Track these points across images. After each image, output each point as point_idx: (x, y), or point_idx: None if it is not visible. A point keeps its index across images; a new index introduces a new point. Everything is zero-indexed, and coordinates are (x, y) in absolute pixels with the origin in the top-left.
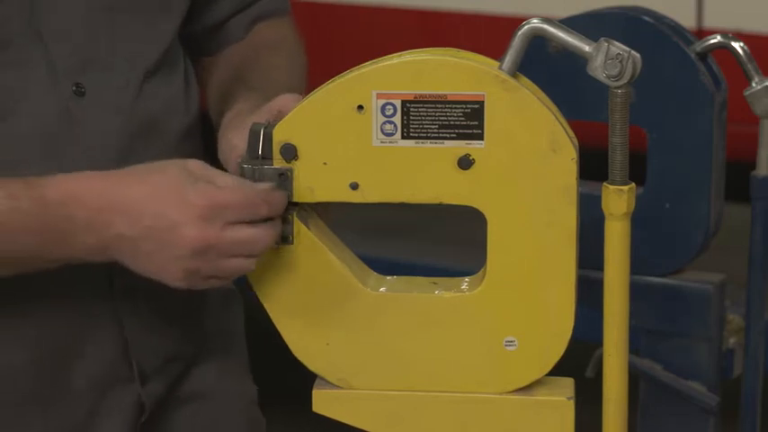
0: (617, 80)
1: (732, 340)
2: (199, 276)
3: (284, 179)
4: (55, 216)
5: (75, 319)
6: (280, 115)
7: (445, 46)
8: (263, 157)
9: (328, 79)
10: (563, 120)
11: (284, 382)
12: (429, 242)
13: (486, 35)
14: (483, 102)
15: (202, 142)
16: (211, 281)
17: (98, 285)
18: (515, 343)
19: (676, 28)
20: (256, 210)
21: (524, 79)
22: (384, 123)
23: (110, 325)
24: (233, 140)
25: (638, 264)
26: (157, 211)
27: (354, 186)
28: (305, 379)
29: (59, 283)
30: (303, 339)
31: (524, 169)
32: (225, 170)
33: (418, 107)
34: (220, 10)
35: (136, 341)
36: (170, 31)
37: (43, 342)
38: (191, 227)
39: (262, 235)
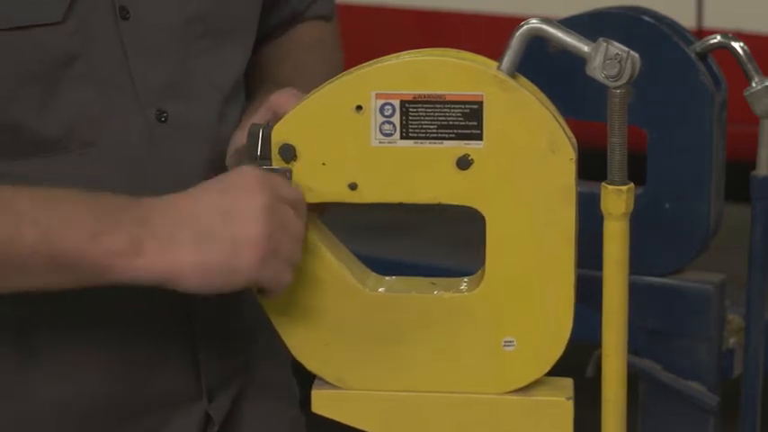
0: (616, 80)
1: (732, 340)
2: (276, 240)
3: None
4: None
5: (151, 342)
6: (275, 115)
7: (444, 46)
8: (261, 158)
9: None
10: (562, 120)
11: None
12: (428, 242)
13: (485, 35)
14: (482, 102)
15: None
16: (282, 264)
17: (176, 308)
18: (514, 343)
19: (676, 28)
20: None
21: (523, 79)
22: (383, 123)
23: (184, 346)
24: (236, 138)
25: (637, 264)
26: (218, 191)
27: (353, 187)
28: (304, 379)
29: (138, 306)
30: (302, 339)
31: (523, 169)
32: None
33: (417, 107)
34: (275, 18)
35: (207, 360)
36: (246, 54)
37: (116, 365)
38: (254, 185)
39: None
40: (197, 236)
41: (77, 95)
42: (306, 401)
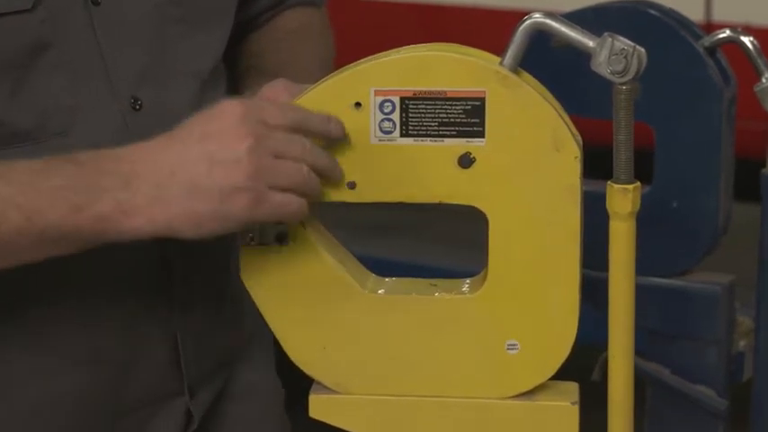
0: (621, 76)
1: (742, 343)
2: (268, 175)
3: None
4: (89, 171)
5: (131, 336)
6: None
7: (445, 41)
8: None
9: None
10: (566, 117)
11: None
12: (428, 243)
13: (487, 30)
14: (484, 98)
15: None
16: (285, 195)
17: (156, 299)
18: (517, 346)
19: (684, 22)
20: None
21: (526, 75)
22: (382, 121)
23: (164, 339)
24: None
25: (644, 264)
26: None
27: (352, 185)
28: (301, 383)
29: (117, 298)
30: (299, 343)
31: (526, 168)
32: None
33: (417, 104)
34: (257, 6)
35: (188, 354)
36: (223, 39)
37: (100, 360)
38: (235, 124)
39: (309, 146)
40: (184, 187)
41: (49, 85)
42: (290, 404)
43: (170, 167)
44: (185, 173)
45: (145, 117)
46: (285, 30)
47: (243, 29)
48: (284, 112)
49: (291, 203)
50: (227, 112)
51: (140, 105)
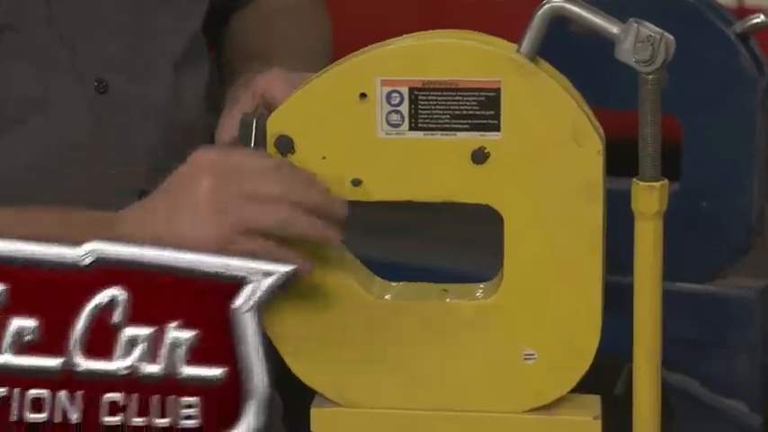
0: (648, 65)
1: None
2: (238, 218)
3: None
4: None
5: None
6: (263, 100)
7: (457, 28)
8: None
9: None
10: (588, 109)
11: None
12: (439, 244)
13: (502, 15)
14: (499, 89)
15: None
16: (248, 236)
17: None
18: (535, 356)
19: (714, 6)
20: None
21: (545, 64)
22: (389, 113)
23: None
24: (223, 128)
25: (671, 268)
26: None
27: (357, 183)
28: (303, 395)
29: None
30: (299, 352)
31: (545, 163)
32: None
33: (427, 95)
34: None
35: None
36: (198, 18)
37: None
38: (196, 172)
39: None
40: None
41: (7, 69)
42: (288, 415)
43: (140, 228)
44: (153, 230)
45: (111, 100)
46: (270, 8)
47: (226, 7)
48: (255, 158)
49: (282, 249)
50: (191, 161)
51: (105, 88)
